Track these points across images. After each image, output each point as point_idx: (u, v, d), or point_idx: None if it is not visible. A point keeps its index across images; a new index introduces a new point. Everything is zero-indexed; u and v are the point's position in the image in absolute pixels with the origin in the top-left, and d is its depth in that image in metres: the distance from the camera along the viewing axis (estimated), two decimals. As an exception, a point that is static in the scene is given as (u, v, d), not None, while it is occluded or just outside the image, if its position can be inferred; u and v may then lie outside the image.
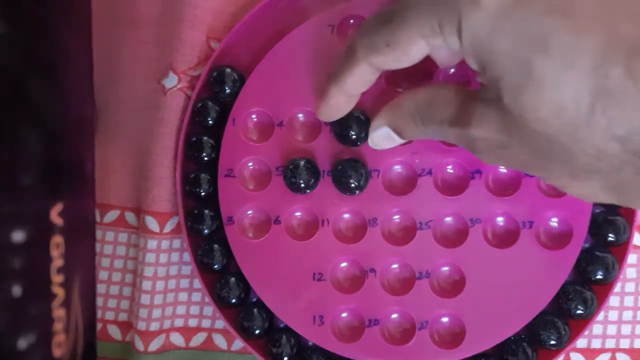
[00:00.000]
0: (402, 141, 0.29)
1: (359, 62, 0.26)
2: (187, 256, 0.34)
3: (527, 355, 0.31)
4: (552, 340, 0.31)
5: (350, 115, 0.30)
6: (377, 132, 0.29)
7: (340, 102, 0.29)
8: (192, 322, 0.34)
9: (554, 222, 0.31)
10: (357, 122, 0.31)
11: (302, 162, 0.31)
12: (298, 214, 0.32)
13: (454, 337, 0.31)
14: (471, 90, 0.24)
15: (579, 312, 0.31)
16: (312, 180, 0.31)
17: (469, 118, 0.23)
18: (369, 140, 0.29)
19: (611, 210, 0.32)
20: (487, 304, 0.31)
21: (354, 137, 0.31)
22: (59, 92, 0.23)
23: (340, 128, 0.31)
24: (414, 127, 0.27)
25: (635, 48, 0.19)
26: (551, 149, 0.22)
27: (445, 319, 0.31)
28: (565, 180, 0.23)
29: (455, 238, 0.32)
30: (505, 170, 0.32)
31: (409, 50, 0.24)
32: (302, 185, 0.31)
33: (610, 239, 0.31)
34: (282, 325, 0.33)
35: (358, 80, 0.27)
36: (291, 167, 0.31)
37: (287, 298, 0.32)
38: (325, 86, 0.28)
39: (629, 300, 0.33)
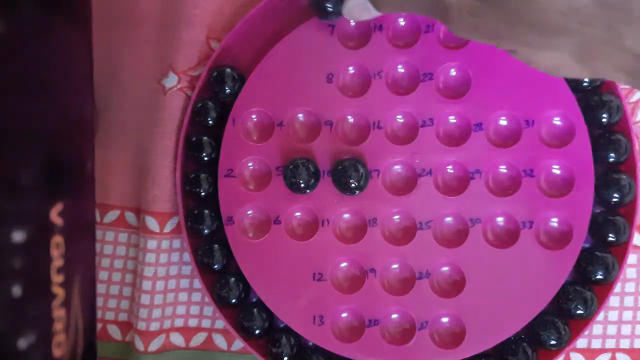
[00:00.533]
0: (378, 13, 0.28)
1: None
2: (187, 256, 0.34)
3: (527, 355, 0.31)
4: (552, 340, 0.31)
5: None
6: (353, 1, 0.28)
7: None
8: (192, 322, 0.34)
9: (554, 222, 0.31)
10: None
11: (302, 162, 0.31)
12: (298, 214, 0.32)
13: (454, 337, 0.31)
14: None
15: (579, 312, 0.31)
16: (312, 180, 0.31)
17: None
18: (344, 10, 0.29)
19: (611, 210, 0.32)
20: (487, 304, 0.31)
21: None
22: (59, 92, 0.23)
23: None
24: None
25: None
26: (524, 9, 0.21)
27: (445, 319, 0.31)
28: (535, 49, 0.23)
29: (455, 238, 0.32)
30: (505, 171, 0.32)
31: None
32: (302, 185, 0.31)
33: (610, 239, 0.31)
34: (282, 325, 0.33)
35: None
36: (291, 167, 0.31)
37: (287, 298, 0.32)
38: None
39: (629, 301, 0.33)
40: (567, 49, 0.22)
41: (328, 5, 0.31)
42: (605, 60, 0.21)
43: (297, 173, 0.31)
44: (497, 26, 0.22)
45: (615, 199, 0.31)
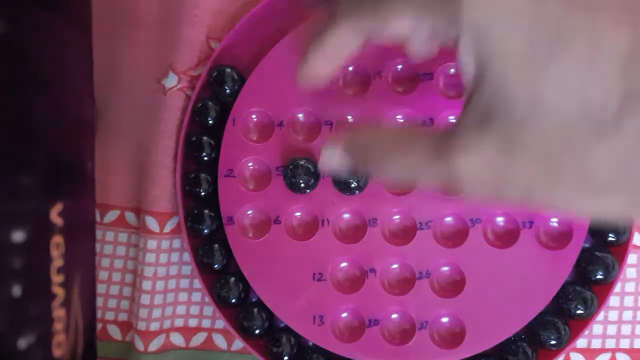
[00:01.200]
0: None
1: (340, 21, 0.24)
2: (187, 256, 0.34)
3: (527, 356, 0.31)
4: (552, 340, 0.31)
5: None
6: (331, 157, 0.26)
7: (319, 64, 0.26)
8: (192, 322, 0.34)
9: (554, 222, 0.31)
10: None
11: (302, 162, 0.31)
12: (298, 214, 0.32)
13: (454, 337, 0.31)
14: (443, 130, 0.22)
15: (579, 312, 0.31)
16: (312, 180, 0.31)
17: (454, 147, 0.20)
18: (321, 157, 0.26)
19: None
20: (487, 304, 0.31)
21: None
22: (59, 92, 0.23)
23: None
24: (382, 169, 0.24)
25: None
26: (566, 159, 0.19)
27: (445, 319, 0.31)
28: (582, 199, 0.20)
29: (455, 238, 0.32)
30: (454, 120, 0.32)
31: (392, 20, 0.22)
32: (302, 185, 0.31)
33: (610, 239, 0.31)
34: (282, 325, 0.33)
35: (337, 40, 0.24)
36: (291, 167, 0.31)
37: (287, 298, 0.32)
38: (304, 46, 0.26)
39: (629, 300, 0.33)
40: (624, 195, 0.19)
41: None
42: None
43: (297, 173, 0.31)
44: (532, 179, 0.20)
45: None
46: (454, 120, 0.21)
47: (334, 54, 0.25)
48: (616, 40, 0.18)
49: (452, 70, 0.32)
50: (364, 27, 0.23)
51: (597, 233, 0.31)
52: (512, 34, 0.19)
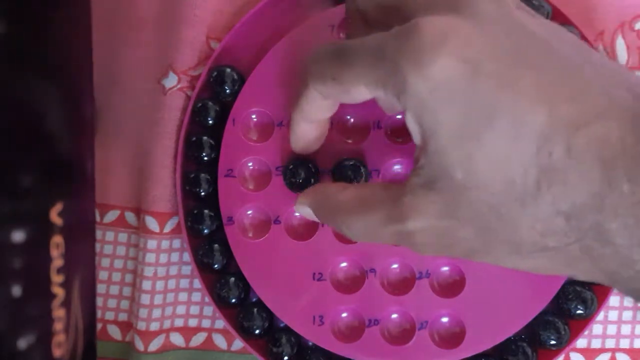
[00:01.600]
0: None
1: (309, 89, 0.25)
2: (187, 256, 0.34)
3: (527, 356, 0.31)
4: (552, 340, 0.31)
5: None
6: (301, 209, 0.28)
7: (306, 130, 0.29)
8: (192, 322, 0.34)
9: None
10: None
11: (301, 162, 0.31)
12: (298, 214, 0.32)
13: (454, 337, 0.31)
14: (398, 184, 0.23)
15: (578, 312, 0.31)
16: (312, 180, 0.31)
17: (404, 211, 0.22)
18: (295, 206, 0.29)
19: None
20: (487, 303, 0.31)
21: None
22: (59, 92, 0.23)
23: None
24: (342, 230, 0.25)
25: (575, 126, 0.19)
26: (498, 226, 0.21)
27: (445, 319, 0.31)
28: (515, 259, 0.22)
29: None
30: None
31: (351, 91, 0.23)
32: (302, 185, 0.31)
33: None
34: (282, 325, 0.33)
35: (313, 106, 0.26)
36: (291, 167, 0.31)
37: (287, 298, 0.32)
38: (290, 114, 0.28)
39: (629, 300, 0.33)
40: (548, 261, 0.22)
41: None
42: (592, 273, 0.21)
43: (297, 173, 0.31)
44: (470, 244, 0.22)
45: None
46: (405, 180, 0.23)
47: (313, 116, 0.27)
48: (534, 118, 0.19)
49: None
50: (331, 94, 0.25)
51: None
52: (448, 109, 0.20)
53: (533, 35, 0.21)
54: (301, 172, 0.31)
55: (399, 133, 0.32)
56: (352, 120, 0.32)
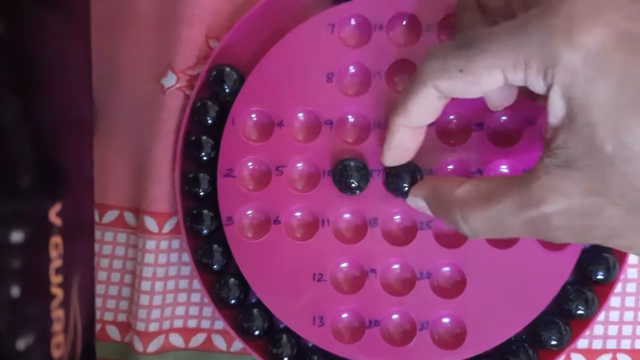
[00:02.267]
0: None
1: (425, 86, 0.25)
2: (186, 257, 0.34)
3: (528, 356, 0.31)
4: (553, 340, 0.31)
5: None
6: (415, 202, 0.28)
7: (405, 137, 0.28)
8: (191, 323, 0.34)
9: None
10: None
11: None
12: (298, 214, 0.32)
13: (454, 338, 0.31)
14: (521, 173, 0.23)
15: (579, 312, 0.31)
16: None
17: (539, 195, 0.21)
18: (408, 198, 0.29)
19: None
20: (488, 304, 0.31)
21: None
22: (58, 92, 0.23)
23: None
24: (458, 225, 0.25)
25: None
26: None
27: (446, 320, 0.31)
28: None
29: (456, 238, 0.31)
30: (506, 170, 0.31)
31: (482, 80, 0.23)
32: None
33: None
34: (282, 326, 0.33)
35: (423, 108, 0.26)
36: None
37: (287, 299, 0.32)
38: (388, 121, 0.27)
39: (630, 301, 0.33)
40: None
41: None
42: None
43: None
44: (617, 222, 0.21)
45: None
46: (534, 164, 0.22)
47: (419, 120, 0.27)
48: None
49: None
50: (456, 88, 0.24)
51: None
52: (603, 80, 0.19)
53: None
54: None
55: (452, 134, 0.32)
56: (352, 120, 0.32)
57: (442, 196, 0.26)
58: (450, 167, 0.32)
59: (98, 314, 0.34)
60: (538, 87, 0.21)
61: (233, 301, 0.32)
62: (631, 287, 0.33)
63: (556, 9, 0.20)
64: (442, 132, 0.32)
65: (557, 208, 0.21)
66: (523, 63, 0.21)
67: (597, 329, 0.33)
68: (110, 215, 0.35)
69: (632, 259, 0.33)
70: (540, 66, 0.21)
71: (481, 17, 0.26)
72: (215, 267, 0.32)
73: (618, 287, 0.32)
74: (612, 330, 0.33)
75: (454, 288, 0.31)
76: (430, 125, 0.31)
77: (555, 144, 0.21)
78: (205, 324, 0.34)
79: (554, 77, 0.20)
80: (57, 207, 0.22)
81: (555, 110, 0.21)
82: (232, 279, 0.32)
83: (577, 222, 0.21)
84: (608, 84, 0.20)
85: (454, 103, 0.31)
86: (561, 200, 0.21)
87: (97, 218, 0.35)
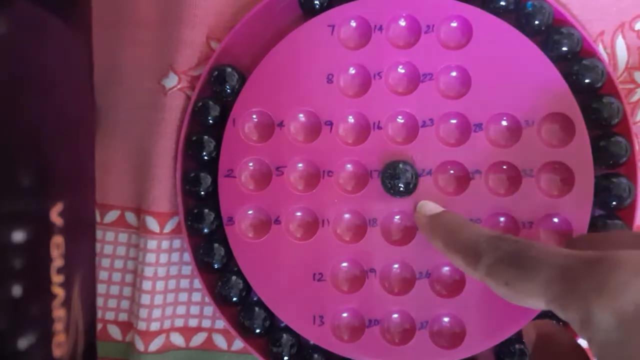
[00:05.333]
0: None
1: (476, 272, 0.24)
2: (187, 256, 0.34)
3: (528, 356, 0.31)
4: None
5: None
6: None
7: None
8: (192, 322, 0.34)
9: (554, 222, 0.31)
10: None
11: (400, 165, 0.31)
12: (298, 214, 0.32)
13: (454, 337, 0.31)
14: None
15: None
16: (412, 183, 0.31)
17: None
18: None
19: (610, 214, 0.32)
20: (487, 304, 0.31)
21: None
22: (59, 92, 0.23)
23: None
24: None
25: None
26: None
27: (445, 319, 0.31)
28: None
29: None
30: (505, 170, 0.32)
31: (523, 300, 0.22)
32: (402, 188, 0.31)
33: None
34: (282, 325, 0.33)
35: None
36: (389, 171, 0.31)
37: (287, 298, 0.32)
38: (443, 249, 0.28)
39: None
40: None
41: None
42: None
43: (395, 176, 0.31)
44: None
45: (614, 203, 0.31)
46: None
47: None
48: None
49: (453, 71, 0.32)
50: (496, 291, 0.24)
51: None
52: (635, 345, 0.19)
53: None
54: (399, 174, 0.31)
55: (452, 134, 0.32)
56: (352, 121, 0.32)
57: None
58: (450, 167, 0.32)
59: (99, 314, 0.35)
60: (575, 327, 0.21)
61: (235, 299, 0.32)
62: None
63: (602, 262, 0.20)
64: (442, 132, 0.32)
65: None
66: (561, 304, 0.20)
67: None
68: (112, 215, 0.35)
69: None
70: (574, 315, 0.20)
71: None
72: (216, 265, 0.32)
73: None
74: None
75: (453, 288, 0.31)
76: (430, 125, 0.31)
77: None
78: (206, 323, 0.34)
79: (588, 332, 0.20)
80: (58, 207, 0.22)
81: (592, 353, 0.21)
82: (234, 277, 0.32)
83: None
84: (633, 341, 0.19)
85: (454, 104, 0.32)
86: None
87: (98, 218, 0.35)
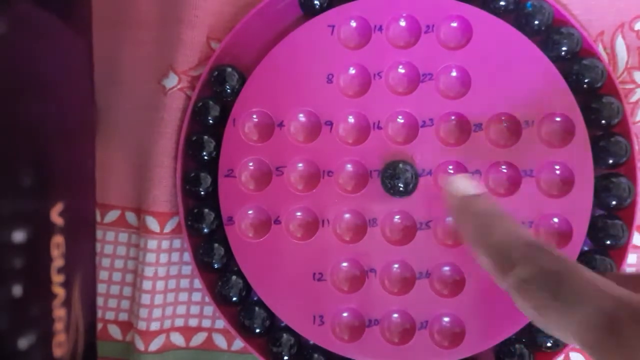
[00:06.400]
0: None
1: (503, 281, 0.22)
2: (187, 256, 0.34)
3: (527, 356, 0.31)
4: (552, 340, 0.31)
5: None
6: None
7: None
8: (193, 322, 0.34)
9: (554, 222, 0.31)
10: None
11: (400, 165, 0.31)
12: (298, 214, 0.32)
13: (453, 337, 0.31)
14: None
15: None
16: (412, 184, 0.31)
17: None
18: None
19: (610, 214, 0.32)
20: (487, 304, 0.31)
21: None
22: (60, 92, 0.23)
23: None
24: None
25: None
26: None
27: (445, 319, 0.31)
28: None
29: (455, 238, 0.32)
30: (505, 170, 0.32)
31: (551, 329, 0.21)
32: (402, 189, 0.31)
33: (609, 242, 0.31)
34: (282, 325, 0.33)
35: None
36: (389, 170, 0.31)
37: (287, 298, 0.32)
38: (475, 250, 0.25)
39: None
40: None
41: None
42: None
43: (396, 176, 0.31)
44: None
45: (614, 203, 0.31)
46: None
47: None
48: None
49: (453, 71, 0.32)
50: (522, 310, 0.22)
51: (595, 237, 0.31)
52: None
53: None
54: (399, 174, 0.31)
55: (452, 134, 0.32)
56: (352, 121, 0.32)
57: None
58: (450, 167, 0.32)
59: (100, 313, 0.35)
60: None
61: (235, 298, 0.32)
62: (630, 287, 0.33)
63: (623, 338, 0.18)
64: (442, 132, 0.32)
65: None
66: (598, 351, 0.18)
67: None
68: (112, 215, 0.35)
69: (630, 259, 0.33)
70: None
71: None
72: (216, 265, 0.32)
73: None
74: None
75: (453, 287, 0.31)
76: (430, 125, 0.31)
77: None
78: (206, 323, 0.35)
79: None
80: (58, 207, 0.22)
81: None
82: (234, 277, 0.32)
83: None
84: None
85: (454, 104, 0.32)
86: None
87: (98, 218, 0.35)
